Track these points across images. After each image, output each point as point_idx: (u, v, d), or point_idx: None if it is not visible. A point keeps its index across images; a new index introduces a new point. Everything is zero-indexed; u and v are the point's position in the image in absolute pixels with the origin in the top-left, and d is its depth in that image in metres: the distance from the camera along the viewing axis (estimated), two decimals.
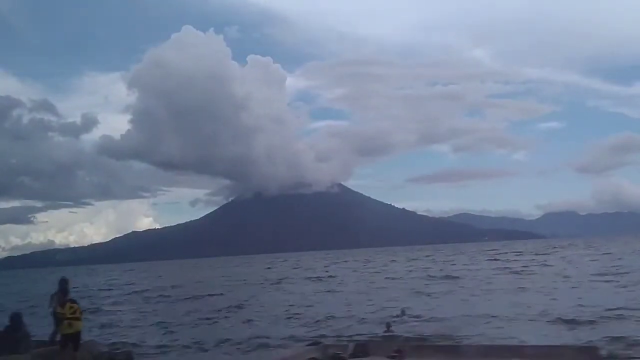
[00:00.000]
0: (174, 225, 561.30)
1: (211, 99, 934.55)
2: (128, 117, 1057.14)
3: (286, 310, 23.98)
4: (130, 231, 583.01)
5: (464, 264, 56.43)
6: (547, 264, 48.57)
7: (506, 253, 75.04)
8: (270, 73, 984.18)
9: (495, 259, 58.86)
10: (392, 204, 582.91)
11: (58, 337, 11.95)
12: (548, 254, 65.55)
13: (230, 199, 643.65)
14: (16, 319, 12.23)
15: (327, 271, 58.60)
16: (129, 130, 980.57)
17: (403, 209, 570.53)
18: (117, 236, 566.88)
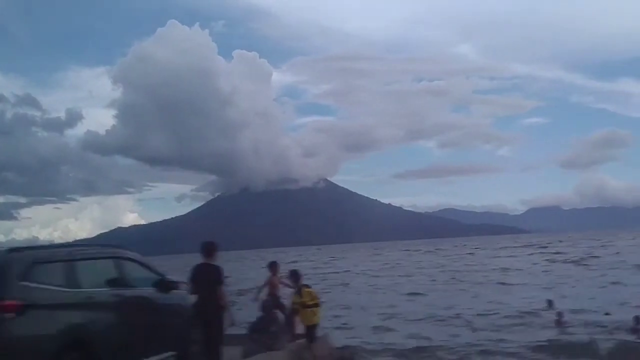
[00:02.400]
0: (160, 221, 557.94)
1: (197, 94, 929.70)
2: (113, 112, 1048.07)
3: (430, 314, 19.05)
4: (115, 227, 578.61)
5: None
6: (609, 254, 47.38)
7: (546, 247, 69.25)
8: (256, 68, 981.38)
9: (558, 252, 54.20)
10: (379, 200, 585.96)
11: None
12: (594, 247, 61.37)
13: (216, 195, 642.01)
14: (267, 308, 10.32)
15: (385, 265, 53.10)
16: (114, 125, 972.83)
17: (389, 204, 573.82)
18: (102, 232, 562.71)
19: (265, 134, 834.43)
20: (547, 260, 44.72)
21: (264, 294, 10.79)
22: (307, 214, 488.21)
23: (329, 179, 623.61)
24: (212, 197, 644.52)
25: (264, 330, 10.07)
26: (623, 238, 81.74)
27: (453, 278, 32.89)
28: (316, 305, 9.29)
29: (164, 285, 7.40)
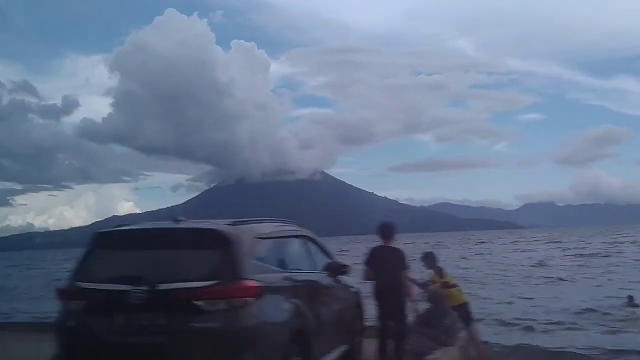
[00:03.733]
0: (155, 211, 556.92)
1: (194, 83, 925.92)
2: (110, 100, 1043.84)
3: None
4: (110, 215, 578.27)
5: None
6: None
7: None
8: (255, 59, 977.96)
9: (577, 247, 51.97)
10: (374, 192, 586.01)
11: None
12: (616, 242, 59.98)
13: (212, 185, 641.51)
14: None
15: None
16: (110, 113, 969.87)
17: (385, 197, 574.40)
18: (98, 220, 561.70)
19: (263, 125, 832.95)
20: (574, 254, 42.38)
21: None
22: (303, 206, 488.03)
23: (325, 171, 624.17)
24: (208, 188, 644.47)
25: (437, 324, 8.35)
26: (628, 234, 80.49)
27: (503, 271, 29.66)
28: (455, 285, 8.50)
29: (335, 268, 6.35)
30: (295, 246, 5.89)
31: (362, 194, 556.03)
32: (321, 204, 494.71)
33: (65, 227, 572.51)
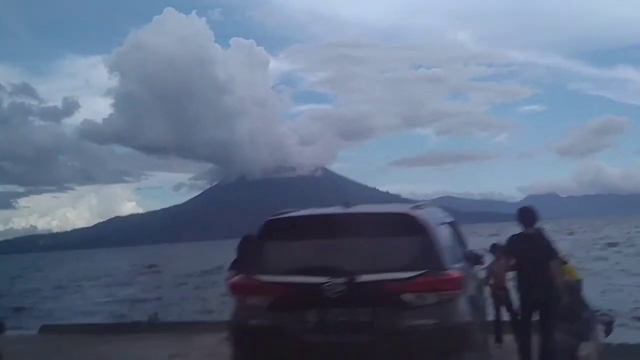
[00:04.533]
0: (158, 210, 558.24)
1: (194, 82, 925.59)
2: (110, 101, 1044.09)
3: None
4: (113, 216, 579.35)
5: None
6: None
7: None
8: (254, 56, 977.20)
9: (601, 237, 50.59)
10: (376, 188, 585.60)
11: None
12: None
13: (214, 184, 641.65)
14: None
15: None
16: (111, 114, 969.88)
17: (387, 192, 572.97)
18: (101, 221, 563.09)
19: (263, 123, 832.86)
20: (605, 244, 41.01)
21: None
22: (305, 202, 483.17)
23: (326, 167, 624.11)
24: (209, 186, 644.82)
25: (576, 318, 6.99)
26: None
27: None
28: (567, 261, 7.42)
29: (474, 258, 5.72)
30: (451, 233, 5.20)
31: (363, 189, 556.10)
32: (323, 200, 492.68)
33: (69, 229, 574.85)
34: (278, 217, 4.57)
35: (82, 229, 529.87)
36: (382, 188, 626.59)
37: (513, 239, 6.10)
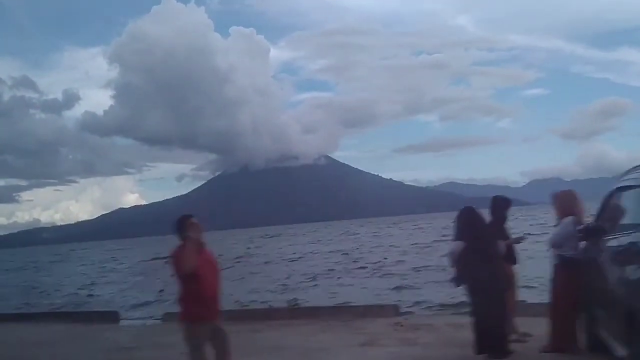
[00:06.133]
0: (161, 201, 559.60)
1: (194, 72, 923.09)
2: (110, 92, 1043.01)
3: None
4: (116, 208, 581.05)
5: None
6: None
7: None
8: (254, 44, 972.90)
9: None
10: (380, 175, 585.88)
11: None
12: None
13: (216, 174, 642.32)
14: None
15: None
16: (111, 105, 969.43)
17: (390, 179, 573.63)
18: (104, 213, 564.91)
19: (264, 111, 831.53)
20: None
21: None
22: (308, 191, 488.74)
23: (329, 155, 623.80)
24: (212, 176, 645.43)
25: None
26: None
27: None
28: None
29: None
30: None
31: (367, 176, 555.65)
32: (326, 188, 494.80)
33: (72, 222, 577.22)
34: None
35: (86, 221, 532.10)
36: (386, 175, 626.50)
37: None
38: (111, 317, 10.52)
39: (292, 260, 32.59)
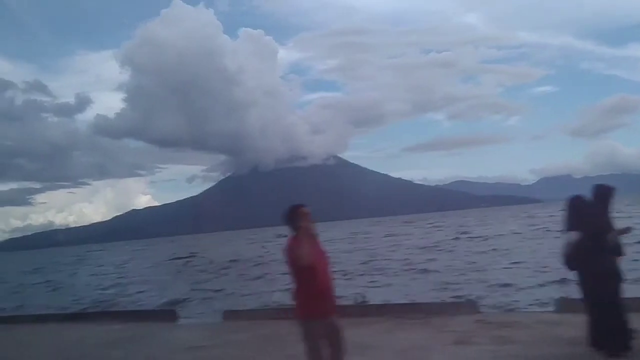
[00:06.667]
0: (174, 202, 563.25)
1: (204, 74, 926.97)
2: (121, 95, 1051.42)
3: None
4: (130, 209, 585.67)
5: None
6: None
7: None
8: (262, 46, 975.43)
9: None
10: (389, 174, 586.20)
11: None
12: None
13: (227, 175, 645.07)
14: None
15: None
16: (123, 108, 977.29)
17: (399, 178, 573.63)
18: (117, 214, 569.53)
19: (273, 112, 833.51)
20: None
21: None
22: (318, 191, 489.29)
23: (338, 155, 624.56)
24: (223, 177, 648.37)
25: None
26: None
27: None
28: None
29: None
30: None
31: (376, 176, 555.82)
32: (336, 188, 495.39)
33: (86, 223, 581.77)
34: None
35: (100, 222, 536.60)
36: (395, 174, 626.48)
37: None
38: (169, 315, 10.35)
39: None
